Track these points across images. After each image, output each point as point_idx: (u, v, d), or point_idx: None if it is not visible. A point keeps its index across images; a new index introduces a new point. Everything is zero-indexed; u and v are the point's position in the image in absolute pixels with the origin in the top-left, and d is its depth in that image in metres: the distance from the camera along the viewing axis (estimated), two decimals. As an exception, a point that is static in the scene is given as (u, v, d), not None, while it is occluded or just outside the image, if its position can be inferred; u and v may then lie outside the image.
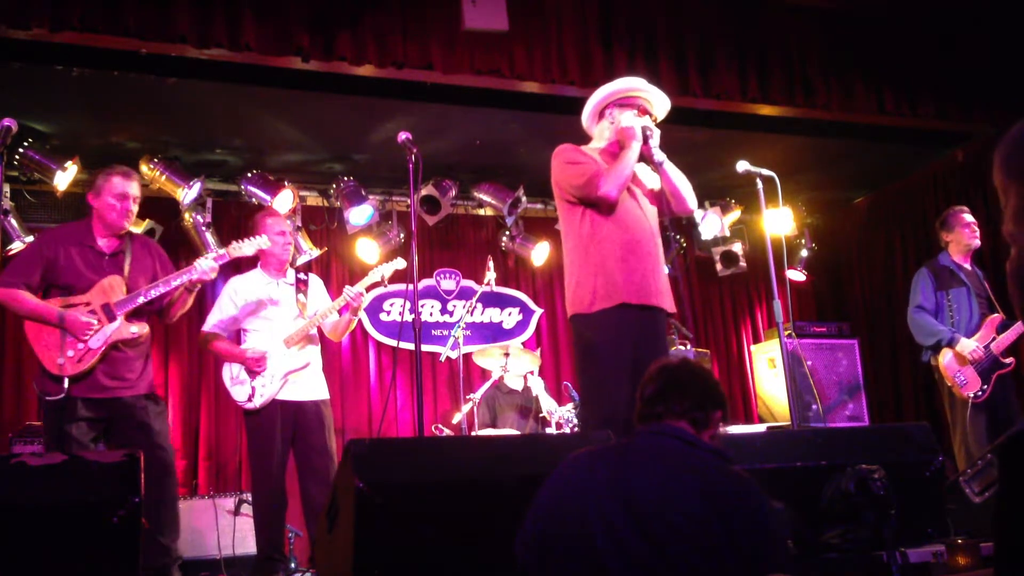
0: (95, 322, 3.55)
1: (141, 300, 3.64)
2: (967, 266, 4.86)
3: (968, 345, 4.58)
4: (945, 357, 4.66)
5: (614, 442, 2.04)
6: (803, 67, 5.21)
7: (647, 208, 3.47)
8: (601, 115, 3.55)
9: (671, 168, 3.48)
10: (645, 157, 3.45)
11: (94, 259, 3.68)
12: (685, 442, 1.94)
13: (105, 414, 3.60)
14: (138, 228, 5.21)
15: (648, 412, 2.02)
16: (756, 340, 7.44)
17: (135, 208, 3.76)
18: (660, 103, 3.54)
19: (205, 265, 3.72)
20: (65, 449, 3.40)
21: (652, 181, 3.59)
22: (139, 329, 3.68)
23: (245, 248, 3.95)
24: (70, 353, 3.52)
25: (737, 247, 7.08)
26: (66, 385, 3.46)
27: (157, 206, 5.60)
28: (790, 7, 5.21)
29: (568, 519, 1.86)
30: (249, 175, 5.82)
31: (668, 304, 3.40)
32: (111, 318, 3.59)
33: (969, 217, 4.87)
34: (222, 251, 3.91)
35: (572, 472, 1.95)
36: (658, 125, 3.56)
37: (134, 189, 3.74)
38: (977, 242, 4.86)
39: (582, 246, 3.35)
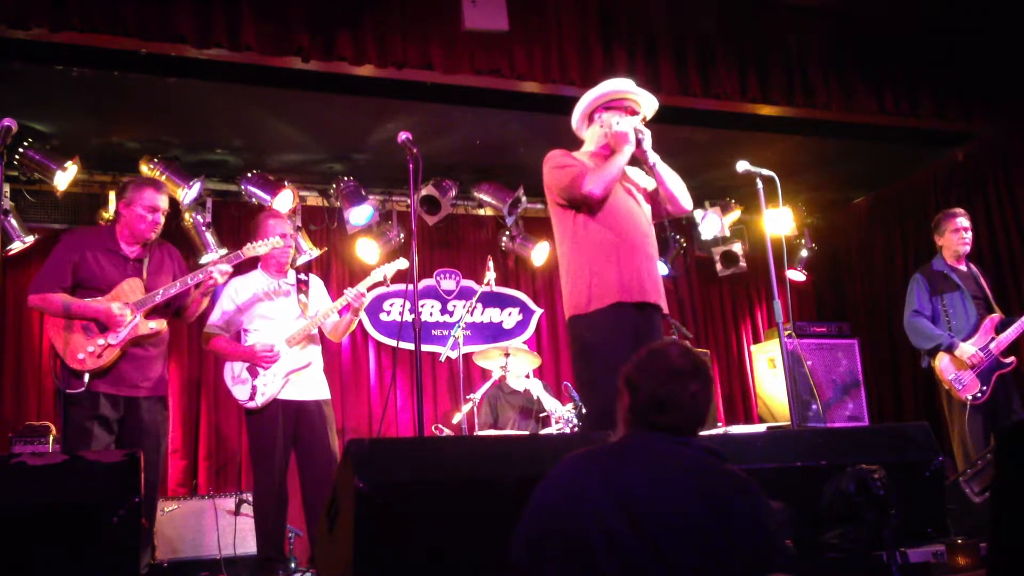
0: (128, 314, 3.70)
1: (159, 299, 3.78)
2: (961, 268, 4.84)
3: (967, 350, 4.57)
4: (941, 361, 4.66)
5: (608, 443, 2.00)
6: (803, 67, 5.21)
7: (641, 208, 3.48)
8: (591, 119, 3.56)
9: (664, 169, 3.47)
10: (639, 160, 3.45)
11: (119, 263, 3.83)
12: (679, 442, 1.92)
13: (122, 412, 3.72)
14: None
15: (651, 423, 1.93)
16: (756, 340, 7.44)
17: (163, 220, 3.90)
18: (648, 103, 3.55)
19: (220, 267, 3.86)
20: (84, 445, 3.54)
21: (646, 181, 3.60)
22: (157, 325, 3.82)
23: (259, 248, 4.08)
24: (90, 349, 3.66)
25: (737, 247, 7.08)
26: (86, 380, 3.62)
27: (157, 206, 5.61)
28: (790, 7, 5.21)
29: (564, 522, 1.83)
30: (249, 175, 5.82)
31: (662, 302, 3.40)
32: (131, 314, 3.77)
33: (961, 221, 4.84)
34: (227, 252, 4.02)
35: (567, 475, 1.92)
36: (659, 125, 3.56)
37: (164, 202, 3.90)
38: (966, 248, 4.83)
39: (575, 248, 3.36)
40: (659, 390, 1.92)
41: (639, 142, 3.39)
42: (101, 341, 3.67)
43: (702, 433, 2.04)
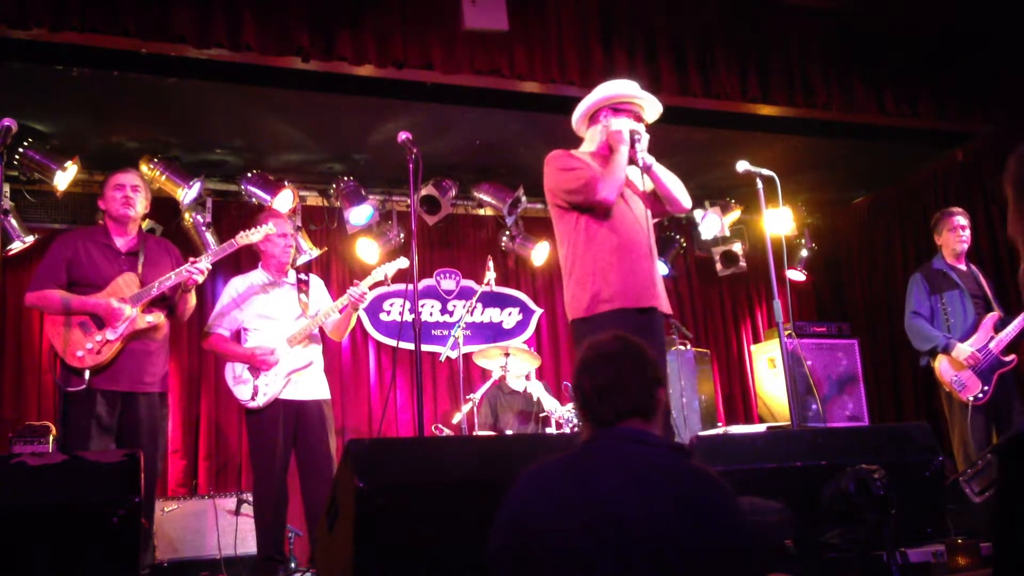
0: (128, 308, 3.70)
1: (155, 291, 3.79)
2: (961, 267, 4.85)
3: (964, 351, 4.57)
4: (941, 363, 4.66)
5: (571, 451, 1.96)
6: (803, 67, 5.21)
7: (641, 210, 3.47)
8: (594, 118, 3.54)
9: (660, 170, 3.46)
10: (632, 160, 3.42)
11: (112, 257, 3.84)
12: (643, 443, 1.88)
13: (120, 408, 3.72)
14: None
15: (596, 412, 1.92)
16: (756, 340, 7.44)
17: (136, 196, 3.90)
18: (652, 108, 3.53)
19: (199, 266, 3.84)
20: (83, 444, 3.54)
21: (645, 183, 3.59)
22: (154, 319, 3.82)
23: (253, 236, 4.09)
24: (89, 346, 3.66)
25: (737, 247, 7.08)
26: (87, 377, 3.63)
27: (157, 206, 5.56)
28: (790, 7, 5.21)
29: (538, 532, 1.79)
30: (249, 175, 5.82)
31: (664, 305, 3.39)
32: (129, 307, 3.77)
33: (959, 220, 4.85)
34: (219, 246, 4.04)
35: (537, 483, 1.87)
36: (658, 124, 3.55)
37: (129, 179, 3.92)
38: (964, 246, 4.84)
39: (578, 251, 3.35)
40: (597, 379, 1.92)
41: (633, 143, 3.37)
42: (99, 337, 3.67)
43: (702, 433, 2.03)
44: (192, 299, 4.02)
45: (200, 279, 3.87)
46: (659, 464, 1.84)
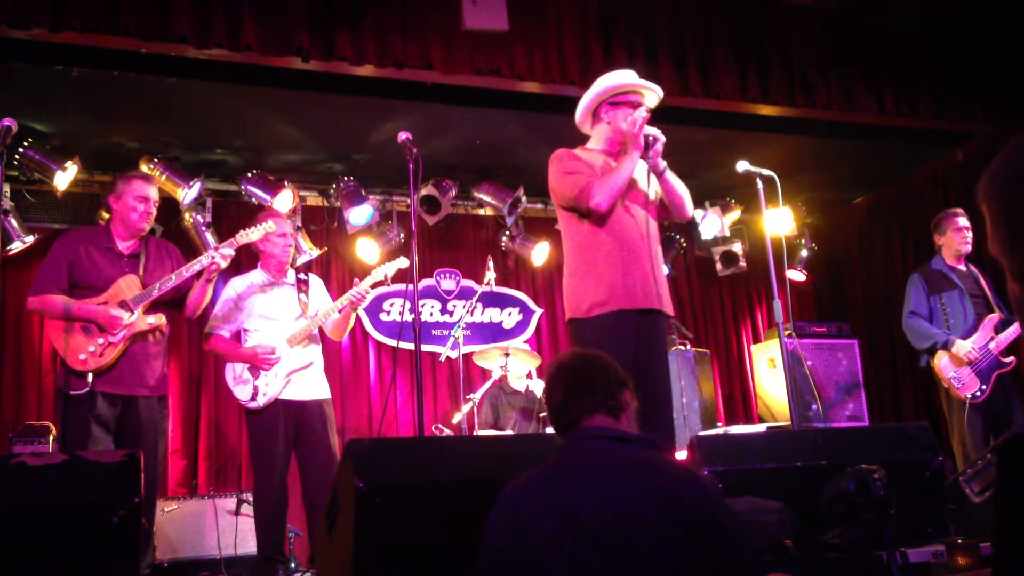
0: (125, 315, 3.70)
1: (155, 294, 3.79)
2: (961, 268, 4.85)
3: (964, 347, 4.57)
4: (940, 360, 4.66)
5: (546, 462, 1.98)
6: (803, 67, 5.21)
7: (647, 211, 3.45)
8: (596, 114, 3.52)
9: (672, 177, 3.44)
10: (653, 168, 3.39)
11: (114, 259, 3.85)
12: (614, 439, 1.89)
13: (120, 410, 3.72)
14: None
15: (564, 421, 1.98)
16: (756, 340, 7.44)
17: (154, 211, 3.94)
18: (651, 94, 3.49)
19: (223, 251, 3.87)
20: (82, 445, 3.54)
21: (652, 186, 3.57)
22: (156, 320, 3.83)
23: (252, 235, 4.07)
24: (91, 348, 3.67)
25: (737, 247, 7.08)
26: (90, 380, 3.63)
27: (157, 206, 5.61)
28: (790, 7, 5.21)
29: (521, 556, 1.80)
30: (249, 175, 5.82)
31: (667, 307, 3.38)
32: (128, 312, 3.77)
33: (962, 221, 4.84)
34: (224, 242, 4.05)
35: (514, 503, 1.88)
36: (658, 125, 3.54)
37: (154, 193, 3.95)
38: (967, 247, 4.83)
39: (580, 251, 3.34)
40: (559, 390, 2.02)
41: (648, 146, 3.32)
42: (101, 340, 3.68)
43: (702, 433, 2.04)
44: (210, 291, 3.98)
45: (224, 264, 3.86)
46: (632, 466, 1.84)
